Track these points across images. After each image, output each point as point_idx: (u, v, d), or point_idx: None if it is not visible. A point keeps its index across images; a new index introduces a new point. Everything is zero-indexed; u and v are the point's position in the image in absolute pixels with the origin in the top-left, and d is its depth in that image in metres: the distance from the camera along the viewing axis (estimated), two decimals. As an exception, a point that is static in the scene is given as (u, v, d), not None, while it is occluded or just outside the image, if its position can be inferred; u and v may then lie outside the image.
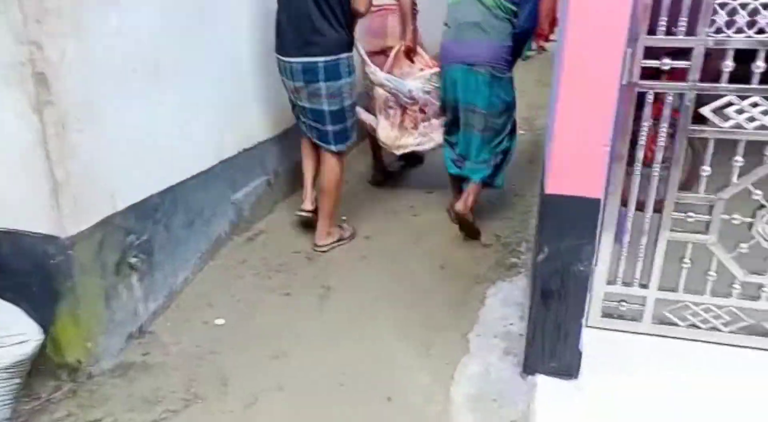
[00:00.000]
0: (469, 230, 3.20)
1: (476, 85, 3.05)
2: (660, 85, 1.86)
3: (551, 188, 1.78)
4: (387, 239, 3.23)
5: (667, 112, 1.90)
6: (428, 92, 3.51)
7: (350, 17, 2.86)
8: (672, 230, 2.03)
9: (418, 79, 3.46)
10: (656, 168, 1.97)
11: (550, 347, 1.96)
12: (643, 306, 2.15)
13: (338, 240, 3.15)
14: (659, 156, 1.97)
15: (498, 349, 2.24)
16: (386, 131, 3.56)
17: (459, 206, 3.09)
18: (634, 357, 2.08)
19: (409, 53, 3.54)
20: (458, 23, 3.06)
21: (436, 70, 3.42)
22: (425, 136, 3.56)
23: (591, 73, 1.65)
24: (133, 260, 2.22)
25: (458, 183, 3.34)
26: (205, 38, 2.62)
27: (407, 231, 3.33)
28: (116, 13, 2.07)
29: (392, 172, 4.15)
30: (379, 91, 3.53)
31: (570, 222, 1.80)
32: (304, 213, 3.15)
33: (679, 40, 1.81)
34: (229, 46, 2.84)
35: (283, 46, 2.87)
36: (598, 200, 1.77)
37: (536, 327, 1.96)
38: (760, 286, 2.04)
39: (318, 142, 3.04)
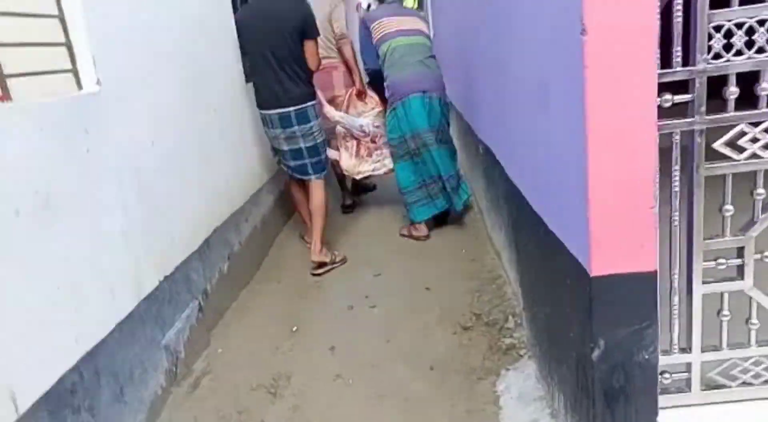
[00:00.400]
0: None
1: (431, 109, 3.78)
2: (668, 124, 1.64)
3: (598, 269, 1.45)
4: (355, 346, 2.76)
5: (677, 152, 1.68)
6: (378, 126, 4.37)
7: (309, 73, 3.64)
8: (704, 282, 1.78)
9: (368, 117, 4.37)
10: (675, 216, 1.74)
11: (626, 458, 1.60)
12: (688, 374, 1.85)
13: (332, 263, 3.68)
14: (676, 203, 1.74)
15: (547, 467, 1.83)
16: (347, 160, 4.44)
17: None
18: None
19: (360, 95, 4.44)
20: (405, 62, 3.77)
21: (381, 108, 4.32)
22: (378, 162, 4.42)
23: (626, 126, 1.37)
24: (51, 475, 1.58)
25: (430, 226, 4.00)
26: (100, 154, 2.10)
27: (373, 330, 2.88)
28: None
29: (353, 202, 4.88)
30: (339, 129, 4.40)
31: (626, 305, 1.48)
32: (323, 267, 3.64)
33: (678, 72, 1.60)
34: (130, 159, 2.33)
35: (262, 103, 3.65)
36: (655, 273, 1.47)
37: (605, 438, 1.58)
38: (808, 324, 1.83)
39: (300, 176, 3.77)
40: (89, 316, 1.91)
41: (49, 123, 1.85)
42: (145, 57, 2.56)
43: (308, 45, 3.54)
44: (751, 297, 1.78)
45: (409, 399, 2.30)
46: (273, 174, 4.46)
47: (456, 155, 4.06)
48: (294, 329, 2.98)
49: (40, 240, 1.73)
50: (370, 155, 4.41)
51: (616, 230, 1.43)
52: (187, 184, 2.86)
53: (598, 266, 1.45)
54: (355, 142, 4.41)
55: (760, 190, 1.69)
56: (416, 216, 3.95)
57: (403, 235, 4.07)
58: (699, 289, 1.77)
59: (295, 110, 3.56)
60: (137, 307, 2.21)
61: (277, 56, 3.51)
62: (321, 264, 3.60)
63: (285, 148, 3.68)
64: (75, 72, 2.14)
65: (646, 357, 1.52)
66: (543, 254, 2.01)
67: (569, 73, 1.44)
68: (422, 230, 3.96)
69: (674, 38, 1.54)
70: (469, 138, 4.41)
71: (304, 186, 3.84)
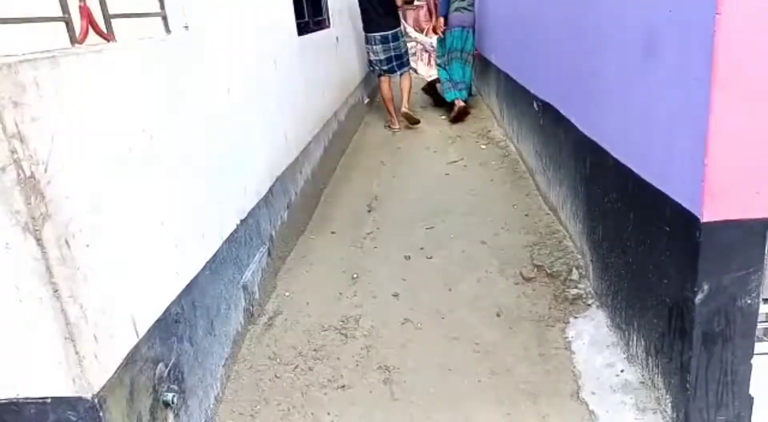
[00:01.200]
0: (463, 114, 6.38)
1: (466, 38, 6.35)
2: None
3: (710, 215, 1.48)
4: (417, 293, 2.83)
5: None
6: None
7: (396, 9, 6.27)
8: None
9: (434, 38, 7.00)
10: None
11: (717, 398, 1.65)
12: (771, 323, 1.90)
13: (416, 120, 6.34)
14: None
15: (629, 407, 1.90)
16: (422, 68, 7.56)
17: (461, 105, 6.36)
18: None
19: (435, 29, 6.68)
20: (457, 7, 6.24)
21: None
22: None
23: (751, 77, 1.37)
24: (168, 396, 1.69)
25: (450, 105, 6.52)
26: (190, 99, 2.13)
27: (433, 279, 2.95)
28: (98, 81, 1.56)
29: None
30: (416, 45, 7.62)
31: (734, 251, 1.50)
32: (396, 130, 6.26)
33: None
34: (211, 106, 2.35)
35: (368, 28, 6.19)
36: (766, 220, 1.49)
37: (698, 378, 1.64)
38: None
39: (391, 73, 6.32)
40: (185, 253, 1.97)
41: (151, 63, 1.87)
42: (222, 5, 2.56)
43: None
44: None
45: (480, 343, 2.37)
46: (320, 129, 4.47)
47: (472, 70, 6.52)
48: (354, 276, 3.05)
49: (147, 177, 1.78)
50: None
51: (733, 177, 1.45)
52: (253, 133, 2.89)
53: (711, 212, 1.47)
54: (427, 55, 7.50)
55: None
56: (446, 97, 6.53)
57: (425, 90, 7.38)
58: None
59: (391, 32, 6.17)
60: (221, 248, 2.27)
61: (380, 1, 6.05)
62: (409, 118, 6.23)
63: (382, 56, 6.23)
64: (164, 16, 2.15)
65: (749, 302, 1.55)
66: (629, 204, 2.03)
67: (692, 21, 1.43)
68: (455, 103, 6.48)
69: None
70: (520, 97, 4.38)
71: (391, 85, 6.36)
